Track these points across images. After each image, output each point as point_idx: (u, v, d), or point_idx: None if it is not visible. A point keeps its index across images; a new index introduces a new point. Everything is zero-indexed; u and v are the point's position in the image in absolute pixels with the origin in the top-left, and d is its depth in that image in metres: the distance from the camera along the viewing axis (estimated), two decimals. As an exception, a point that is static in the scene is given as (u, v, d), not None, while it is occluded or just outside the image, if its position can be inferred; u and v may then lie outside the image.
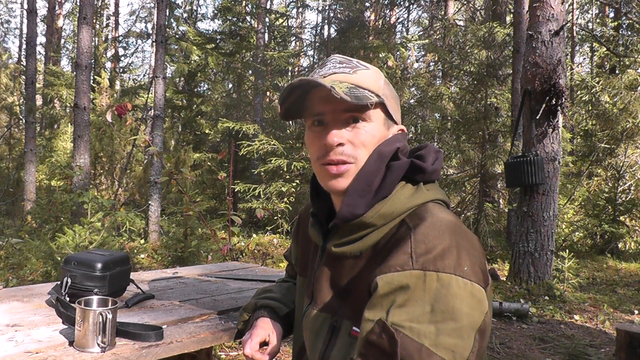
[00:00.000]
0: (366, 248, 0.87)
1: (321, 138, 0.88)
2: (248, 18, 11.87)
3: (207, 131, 11.89)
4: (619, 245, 8.05)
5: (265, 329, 1.06)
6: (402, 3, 14.23)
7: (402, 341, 0.72)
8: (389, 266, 0.78)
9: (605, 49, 10.52)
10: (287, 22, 14.06)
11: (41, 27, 18.22)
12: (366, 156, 0.88)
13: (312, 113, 0.91)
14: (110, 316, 0.99)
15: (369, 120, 0.88)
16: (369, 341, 0.76)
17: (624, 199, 8.22)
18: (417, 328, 0.72)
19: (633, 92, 8.41)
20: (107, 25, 18.43)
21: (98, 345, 0.98)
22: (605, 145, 8.56)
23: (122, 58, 18.76)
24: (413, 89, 11.02)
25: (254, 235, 8.31)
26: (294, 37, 15.47)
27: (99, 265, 1.34)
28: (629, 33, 11.86)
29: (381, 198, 0.86)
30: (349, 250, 0.89)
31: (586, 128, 9.20)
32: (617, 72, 10.25)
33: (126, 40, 18.88)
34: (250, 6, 11.67)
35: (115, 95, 13.49)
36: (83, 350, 0.98)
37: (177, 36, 13.19)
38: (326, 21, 17.20)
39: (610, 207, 8.11)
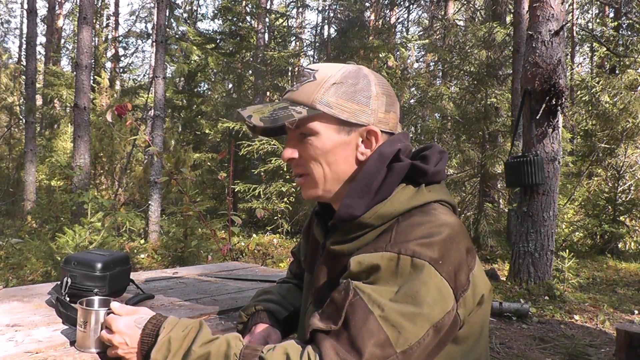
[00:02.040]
0: (362, 247, 0.87)
1: None
2: (248, 18, 11.87)
3: (207, 131, 11.89)
4: (619, 245, 8.05)
5: (263, 336, 1.06)
6: (402, 3, 14.23)
7: (355, 302, 0.75)
8: (364, 250, 0.81)
9: (605, 49, 10.52)
10: (287, 22, 14.06)
11: (41, 27, 18.22)
12: (318, 168, 0.91)
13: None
14: None
15: (315, 133, 0.90)
16: (331, 298, 0.79)
17: (624, 199, 8.22)
18: (374, 297, 0.74)
19: (633, 92, 8.41)
20: (107, 25, 18.43)
21: (97, 346, 0.97)
22: (605, 145, 8.56)
23: (122, 58, 18.78)
24: (413, 89, 11.03)
25: (254, 235, 8.31)
26: (294, 37, 15.46)
27: (99, 265, 1.33)
28: (629, 33, 11.86)
29: (381, 199, 0.86)
30: (346, 248, 0.89)
31: (586, 128, 9.19)
32: (617, 72, 10.24)
33: (126, 40, 18.89)
34: (250, 6, 11.68)
35: (115, 95, 13.49)
36: (84, 350, 0.97)
37: (177, 36, 13.20)
38: (326, 21, 17.21)
39: (610, 207, 8.11)
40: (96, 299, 1.07)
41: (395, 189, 0.87)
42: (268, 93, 11.84)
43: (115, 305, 0.93)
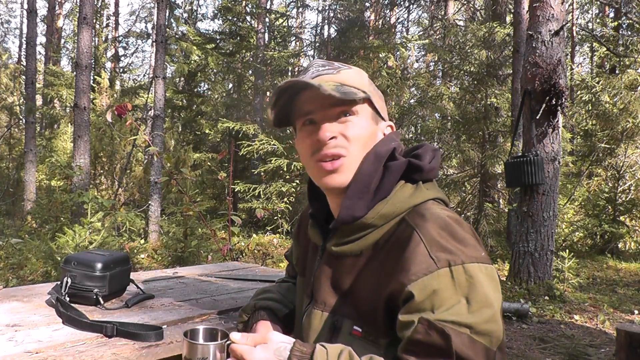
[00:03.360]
0: (367, 247, 0.88)
1: (313, 135, 0.90)
2: (248, 18, 11.86)
3: (207, 131, 11.89)
4: (619, 245, 8.05)
5: (265, 333, 1.05)
6: (402, 3, 14.21)
7: (450, 334, 0.74)
8: (415, 273, 0.78)
9: (605, 49, 10.51)
10: (287, 22, 14.04)
11: (41, 27, 18.22)
12: (358, 150, 0.89)
13: (301, 113, 0.92)
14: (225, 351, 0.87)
15: (358, 114, 0.90)
16: (414, 340, 0.76)
17: (624, 199, 8.22)
18: (458, 321, 0.75)
19: (633, 92, 8.41)
20: (107, 25, 18.42)
21: None
22: (605, 145, 8.56)
23: (122, 58, 18.78)
24: (413, 89, 11.02)
25: (254, 235, 8.31)
26: (294, 37, 15.46)
27: (99, 265, 1.34)
28: (629, 33, 11.85)
29: (381, 198, 0.87)
30: (349, 249, 0.89)
31: (586, 128, 9.19)
32: (617, 72, 10.24)
33: (126, 40, 18.89)
34: (250, 6, 11.67)
35: (115, 95, 13.49)
36: None
37: (177, 36, 13.20)
38: (326, 21, 17.20)
39: (610, 207, 8.11)
40: (201, 328, 0.94)
41: (394, 187, 0.88)
42: (268, 93, 11.84)
43: (236, 336, 0.84)
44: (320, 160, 0.89)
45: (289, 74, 12.79)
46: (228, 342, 0.84)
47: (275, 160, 8.11)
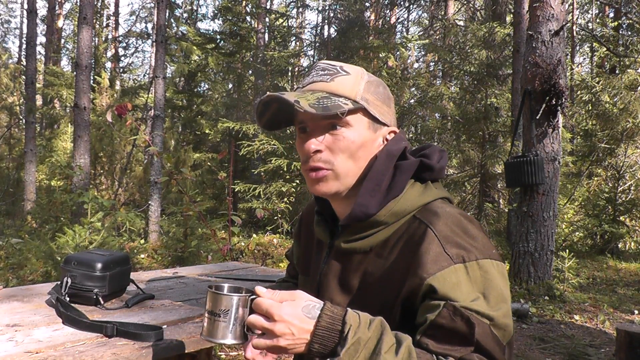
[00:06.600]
0: (376, 244, 0.89)
1: (303, 144, 0.91)
2: (248, 18, 11.87)
3: (207, 131, 11.89)
4: (619, 245, 8.05)
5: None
6: (402, 3, 14.21)
7: (473, 322, 0.76)
8: (432, 267, 0.80)
9: (605, 49, 10.50)
10: (287, 22, 14.04)
11: (41, 27, 18.20)
12: (345, 162, 0.89)
13: (297, 121, 0.94)
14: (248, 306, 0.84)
15: (348, 126, 0.89)
16: (437, 324, 0.77)
17: (624, 199, 8.22)
18: (481, 311, 0.77)
19: (633, 92, 8.41)
20: (107, 25, 18.43)
21: (235, 337, 0.83)
22: (605, 145, 8.56)
23: (122, 58, 18.78)
24: (413, 89, 11.02)
25: (254, 235, 8.31)
26: (294, 37, 15.44)
27: (99, 265, 1.34)
28: (629, 33, 11.85)
29: (393, 197, 0.88)
30: (359, 246, 0.90)
31: (586, 128, 9.19)
32: (617, 72, 10.23)
33: (126, 40, 18.88)
34: (250, 6, 11.67)
35: (115, 95, 13.46)
36: (220, 341, 0.83)
37: (177, 36, 13.20)
38: (326, 21, 17.18)
39: (610, 207, 8.10)
40: (225, 285, 0.92)
41: (406, 185, 0.89)
42: (268, 93, 11.82)
43: (262, 290, 0.81)
44: (308, 170, 0.91)
45: (289, 74, 12.78)
46: (253, 296, 0.81)
47: (275, 160, 8.11)
